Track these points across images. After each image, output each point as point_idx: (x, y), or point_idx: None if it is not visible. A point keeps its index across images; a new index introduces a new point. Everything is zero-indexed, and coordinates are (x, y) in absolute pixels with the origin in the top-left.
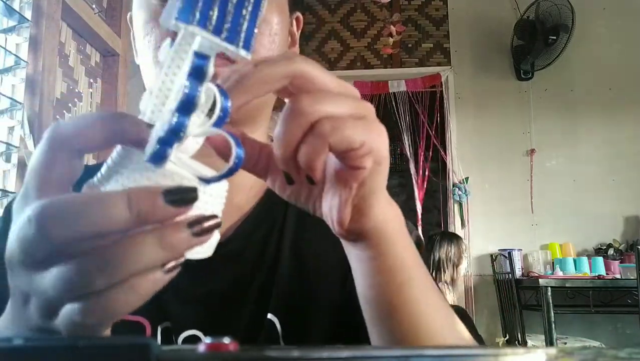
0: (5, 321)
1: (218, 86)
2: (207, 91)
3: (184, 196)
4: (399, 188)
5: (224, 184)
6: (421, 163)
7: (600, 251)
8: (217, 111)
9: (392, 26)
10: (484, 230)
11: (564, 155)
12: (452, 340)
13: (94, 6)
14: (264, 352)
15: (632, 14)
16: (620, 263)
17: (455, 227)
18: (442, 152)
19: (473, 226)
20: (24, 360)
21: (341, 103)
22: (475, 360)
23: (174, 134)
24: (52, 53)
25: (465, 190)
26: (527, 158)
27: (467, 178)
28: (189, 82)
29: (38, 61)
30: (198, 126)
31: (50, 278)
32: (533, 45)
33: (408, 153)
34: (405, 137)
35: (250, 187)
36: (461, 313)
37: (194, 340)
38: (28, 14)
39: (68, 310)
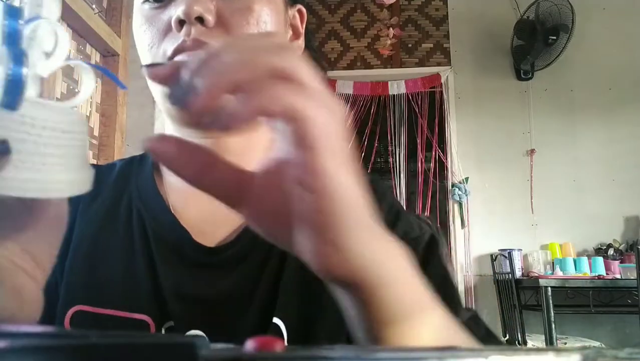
0: None
1: (5, 4)
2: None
3: None
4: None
5: (61, 117)
6: (421, 163)
7: (600, 251)
8: (1, 28)
9: (390, 29)
10: (484, 230)
11: (564, 155)
12: None
13: (94, 6)
14: (316, 352)
15: (632, 14)
16: (620, 263)
17: (455, 227)
18: (442, 153)
19: (473, 226)
20: (64, 357)
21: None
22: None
23: None
24: None
25: (465, 190)
26: (527, 158)
27: (467, 178)
28: None
29: None
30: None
31: None
32: (533, 45)
33: (408, 153)
34: (404, 137)
35: None
36: (474, 318)
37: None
38: None
39: None
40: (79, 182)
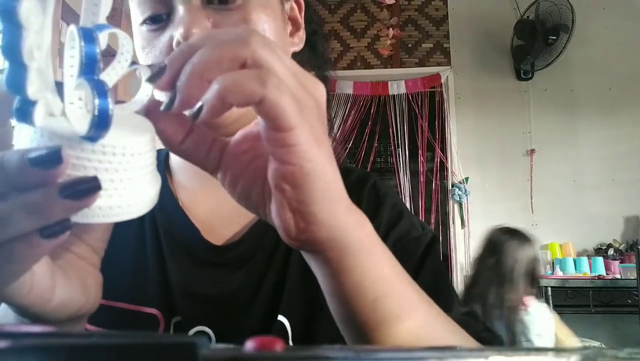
0: None
1: (82, 29)
2: (72, 37)
3: (47, 157)
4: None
5: (136, 139)
6: (421, 163)
7: (600, 251)
8: (79, 58)
9: (390, 29)
10: (484, 230)
11: (564, 155)
12: None
13: None
14: (316, 352)
15: (632, 14)
16: (620, 263)
17: (455, 227)
18: (442, 153)
19: (473, 226)
20: (65, 357)
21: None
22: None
23: (14, 88)
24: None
25: (465, 190)
26: (527, 158)
27: (467, 178)
28: (1, 28)
29: None
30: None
31: None
32: (533, 45)
33: (408, 153)
34: (404, 137)
35: None
36: (470, 314)
37: (204, 335)
38: None
39: None
40: (154, 196)
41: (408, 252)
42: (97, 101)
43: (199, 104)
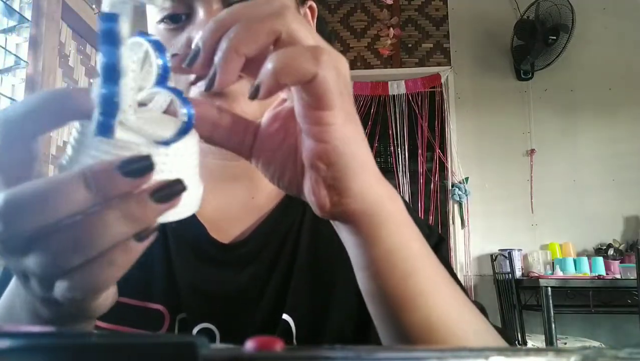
0: (12, 291)
1: (153, 42)
2: (136, 47)
3: (139, 166)
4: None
5: (190, 141)
6: (421, 163)
7: (600, 251)
8: (155, 70)
9: (390, 29)
10: (484, 230)
11: (564, 155)
12: (478, 338)
13: (93, 6)
14: (316, 352)
15: (632, 14)
16: (620, 263)
17: (455, 227)
18: (442, 153)
19: (473, 226)
20: (65, 357)
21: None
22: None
23: (108, 104)
24: (52, 53)
25: (465, 190)
26: (527, 158)
27: (467, 178)
28: (102, 49)
29: (38, 61)
30: (136, 89)
31: (32, 260)
32: (533, 45)
33: (408, 154)
34: (404, 137)
35: (271, 188)
36: (482, 309)
37: (208, 332)
38: (28, 14)
39: (59, 285)
40: (202, 192)
41: None
42: (184, 110)
43: (256, 82)
